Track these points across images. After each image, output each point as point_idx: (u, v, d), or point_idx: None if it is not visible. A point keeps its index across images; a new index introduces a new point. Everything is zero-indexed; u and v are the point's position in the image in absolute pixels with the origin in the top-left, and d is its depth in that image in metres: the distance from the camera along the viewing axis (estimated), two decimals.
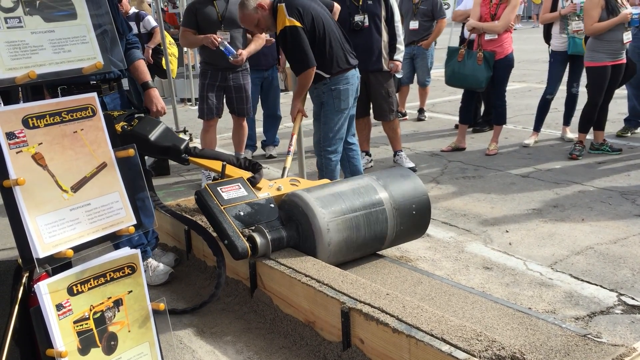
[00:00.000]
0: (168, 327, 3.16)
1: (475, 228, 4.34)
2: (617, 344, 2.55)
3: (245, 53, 5.42)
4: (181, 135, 7.03)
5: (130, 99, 3.84)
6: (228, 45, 5.27)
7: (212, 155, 3.72)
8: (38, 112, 1.90)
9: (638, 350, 2.45)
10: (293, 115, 4.55)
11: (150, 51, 7.72)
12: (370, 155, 6.21)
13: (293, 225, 3.38)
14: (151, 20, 7.90)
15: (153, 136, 3.40)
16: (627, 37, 5.74)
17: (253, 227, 3.30)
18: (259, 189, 3.60)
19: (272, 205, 3.47)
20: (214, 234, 3.40)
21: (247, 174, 3.64)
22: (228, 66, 5.48)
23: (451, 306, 2.99)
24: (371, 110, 5.96)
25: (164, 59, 7.77)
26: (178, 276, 3.85)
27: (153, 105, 3.71)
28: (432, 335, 2.40)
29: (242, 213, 3.34)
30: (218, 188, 3.41)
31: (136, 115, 3.54)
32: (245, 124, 5.90)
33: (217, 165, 3.69)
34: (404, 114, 8.49)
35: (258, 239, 3.20)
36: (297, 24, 4.21)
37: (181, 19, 9.05)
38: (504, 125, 6.63)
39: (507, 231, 4.25)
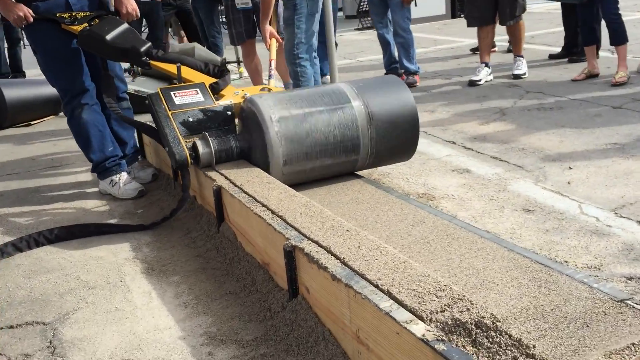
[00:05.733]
0: (117, 263, 2.69)
1: (530, 164, 3.46)
2: None
3: None
4: (233, 65, 6.56)
5: (102, 1, 3.41)
6: None
7: (175, 59, 3.30)
8: None
9: None
10: (266, 41, 4.13)
11: None
12: (489, 67, 5.68)
13: (246, 134, 2.93)
14: None
15: (110, 36, 3.12)
16: None
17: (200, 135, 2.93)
18: (222, 96, 3.21)
19: (228, 112, 3.06)
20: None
21: (213, 81, 3.26)
22: None
23: (448, 253, 2.25)
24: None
25: None
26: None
27: (123, 6, 3.39)
28: (376, 286, 1.70)
29: (191, 119, 2.98)
30: (171, 92, 3.07)
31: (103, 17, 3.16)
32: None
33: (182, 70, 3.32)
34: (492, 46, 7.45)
35: (200, 148, 2.83)
36: None
37: None
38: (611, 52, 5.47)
39: (570, 168, 3.33)
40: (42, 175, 4.14)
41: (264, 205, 2.37)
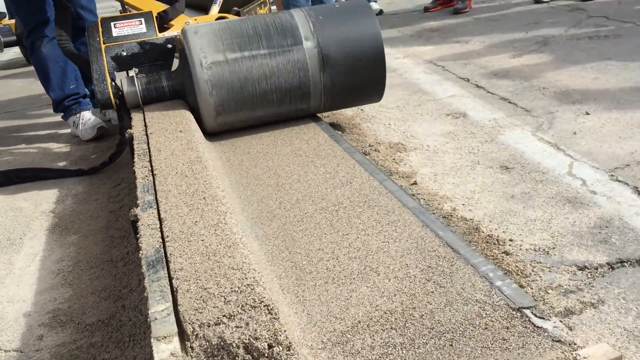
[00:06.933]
0: (32, 216, 2.47)
1: (541, 107, 2.85)
2: (562, 340, 1.22)
3: None
4: None
5: None
6: None
7: None
8: None
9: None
10: None
11: None
12: None
13: (180, 72, 2.54)
14: None
15: None
16: None
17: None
18: (171, 26, 2.88)
19: (169, 46, 2.68)
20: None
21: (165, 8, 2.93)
22: None
23: (350, 226, 1.81)
24: None
25: None
26: None
27: None
28: (170, 280, 1.32)
29: (124, 53, 2.63)
30: (111, 23, 2.72)
31: None
32: None
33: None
34: None
35: (125, 86, 2.47)
36: None
37: None
38: None
39: (587, 113, 2.70)
40: (32, 115, 4.01)
41: (149, 160, 2.02)
